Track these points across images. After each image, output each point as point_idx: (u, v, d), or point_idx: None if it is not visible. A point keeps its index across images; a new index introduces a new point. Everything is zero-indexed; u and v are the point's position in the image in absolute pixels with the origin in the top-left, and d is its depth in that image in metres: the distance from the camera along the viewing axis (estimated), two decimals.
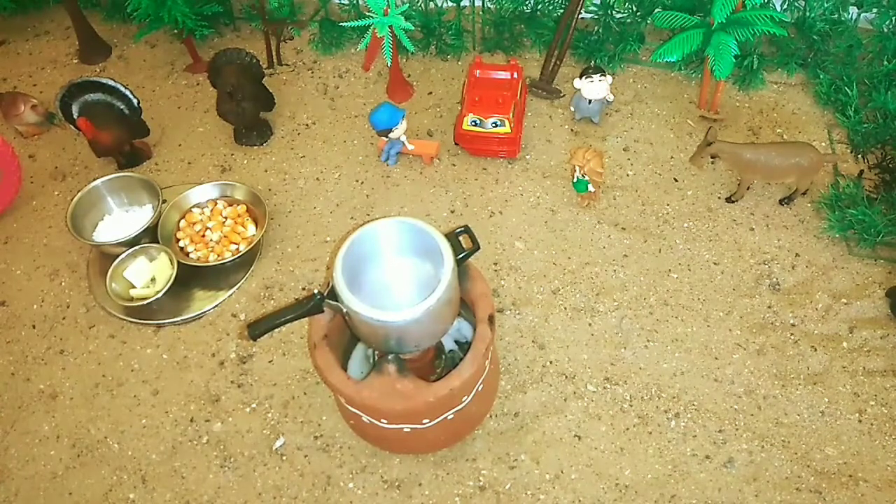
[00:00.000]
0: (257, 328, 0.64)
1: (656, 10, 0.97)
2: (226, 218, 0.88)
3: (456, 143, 0.93)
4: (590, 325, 0.78)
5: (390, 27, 0.87)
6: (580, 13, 0.94)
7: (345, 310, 0.58)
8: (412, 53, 1.02)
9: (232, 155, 0.96)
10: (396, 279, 0.64)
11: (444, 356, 0.71)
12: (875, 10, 0.96)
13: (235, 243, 0.85)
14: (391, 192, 0.91)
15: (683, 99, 0.97)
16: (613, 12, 1.01)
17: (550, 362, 0.76)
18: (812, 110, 0.95)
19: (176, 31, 1.01)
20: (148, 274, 0.82)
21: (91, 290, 0.84)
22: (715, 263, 0.82)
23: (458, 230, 0.62)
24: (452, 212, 0.88)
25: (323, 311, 0.63)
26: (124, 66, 1.08)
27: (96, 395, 0.76)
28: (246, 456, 0.71)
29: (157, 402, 0.76)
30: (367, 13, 0.87)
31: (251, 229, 0.87)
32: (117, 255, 0.82)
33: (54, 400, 0.76)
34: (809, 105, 0.95)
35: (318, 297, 0.63)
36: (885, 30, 0.96)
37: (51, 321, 0.81)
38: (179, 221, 0.87)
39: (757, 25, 0.83)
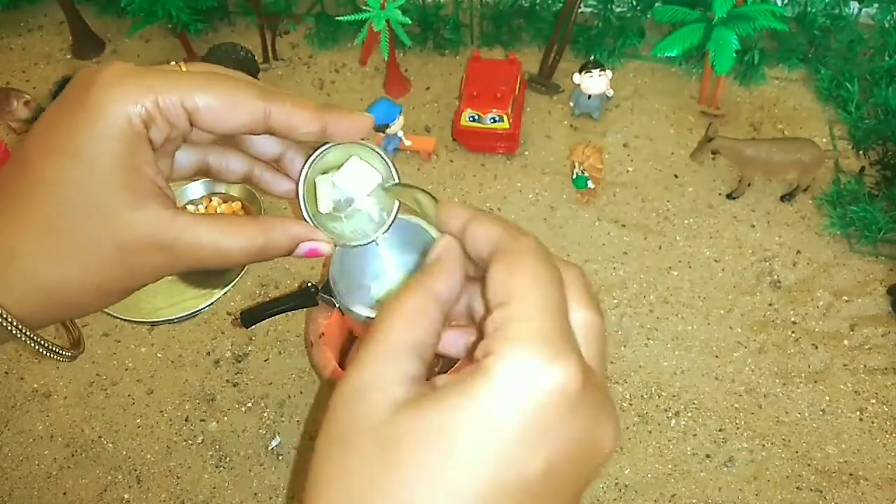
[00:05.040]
0: (250, 317, 0.64)
1: (656, 5, 0.96)
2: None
3: (454, 139, 0.93)
4: None
5: (387, 21, 0.86)
6: (579, 7, 0.93)
7: (338, 306, 0.57)
8: (409, 48, 1.01)
9: None
10: (395, 277, 0.64)
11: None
12: (876, 5, 0.95)
13: None
14: None
15: (684, 94, 0.97)
16: (613, 6, 1.00)
17: None
18: (813, 106, 0.94)
19: (170, 25, 1.00)
20: None
21: None
22: (716, 261, 0.81)
23: None
24: None
25: (317, 304, 0.63)
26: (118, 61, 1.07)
27: (90, 395, 0.75)
28: (241, 455, 0.71)
29: (151, 402, 0.75)
30: (364, 7, 0.86)
31: None
32: None
33: (48, 399, 0.75)
34: (810, 101, 0.95)
35: (312, 289, 0.63)
36: (887, 25, 0.95)
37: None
38: None
39: (758, 20, 0.82)
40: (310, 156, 0.33)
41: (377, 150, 0.35)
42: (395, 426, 0.21)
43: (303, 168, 0.33)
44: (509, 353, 0.21)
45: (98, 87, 0.27)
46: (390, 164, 0.35)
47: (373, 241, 0.36)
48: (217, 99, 0.28)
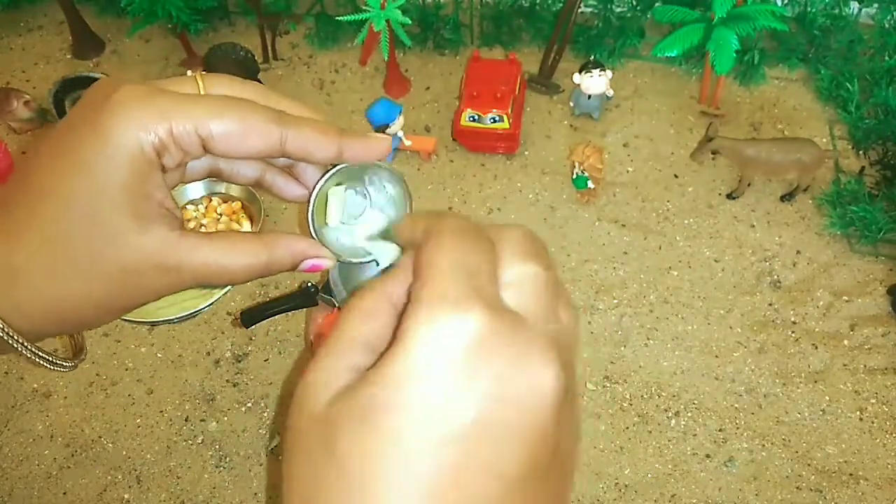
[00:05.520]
0: (250, 317, 0.64)
1: (656, 5, 0.96)
2: (220, 215, 0.87)
3: (454, 139, 0.93)
4: (589, 323, 0.77)
5: (387, 21, 0.86)
6: (579, 7, 0.93)
7: (338, 306, 0.57)
8: (409, 48, 1.01)
9: None
10: None
11: None
12: (876, 5, 0.95)
13: None
14: None
15: (684, 94, 0.97)
16: (613, 6, 1.00)
17: None
18: (813, 106, 0.94)
19: (170, 25, 1.00)
20: None
21: None
22: (716, 261, 0.81)
23: None
24: (451, 208, 0.88)
25: (317, 304, 0.63)
26: (118, 61, 1.07)
27: (90, 395, 0.75)
28: (241, 455, 0.71)
29: (151, 402, 0.75)
30: (364, 7, 0.86)
31: (246, 226, 0.86)
32: None
33: (48, 399, 0.75)
34: (810, 101, 0.95)
35: (312, 289, 0.63)
36: (886, 25, 0.95)
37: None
38: None
39: (758, 20, 0.82)
40: (327, 170, 0.34)
41: (394, 171, 0.35)
42: (333, 412, 0.22)
43: (318, 181, 0.34)
44: (414, 316, 0.21)
45: (111, 110, 0.27)
46: (405, 186, 0.35)
47: (374, 259, 0.36)
48: (232, 126, 0.28)
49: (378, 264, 0.37)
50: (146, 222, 0.28)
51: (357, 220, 0.36)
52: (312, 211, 0.34)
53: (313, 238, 0.34)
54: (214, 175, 0.34)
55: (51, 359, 0.31)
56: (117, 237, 0.28)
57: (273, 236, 0.32)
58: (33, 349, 0.29)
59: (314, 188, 0.34)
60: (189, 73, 0.31)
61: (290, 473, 0.22)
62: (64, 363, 0.33)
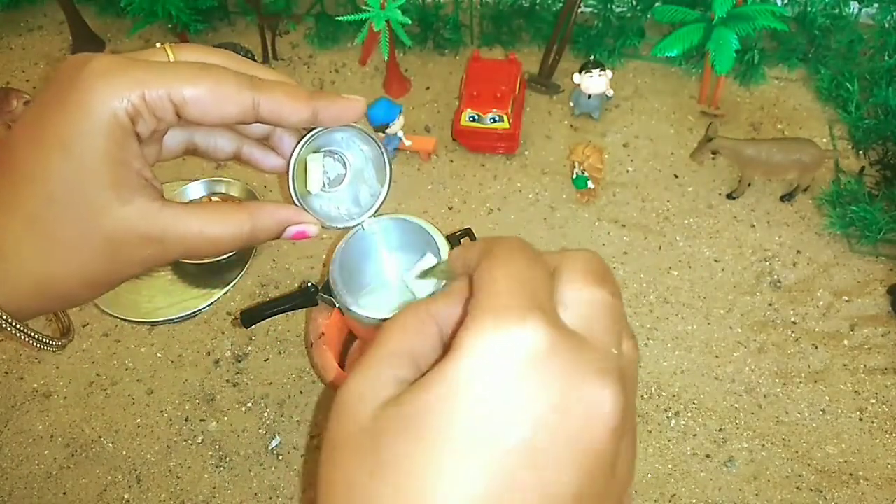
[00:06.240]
0: (250, 317, 0.64)
1: (656, 5, 0.96)
2: None
3: (454, 139, 0.93)
4: None
5: (387, 21, 0.86)
6: (579, 7, 0.93)
7: (338, 306, 0.57)
8: (409, 48, 1.01)
9: None
10: (395, 276, 0.64)
11: None
12: (876, 5, 0.95)
13: None
14: None
15: (684, 94, 0.97)
16: (613, 6, 1.00)
17: None
18: (813, 106, 0.94)
19: (170, 25, 1.00)
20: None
21: None
22: (716, 261, 0.81)
23: (460, 233, 0.62)
24: (450, 208, 0.88)
25: (317, 304, 0.63)
26: None
27: (90, 395, 0.75)
28: (241, 455, 0.71)
29: (151, 402, 0.75)
30: (364, 7, 0.86)
31: None
32: None
33: (48, 399, 0.75)
34: (810, 101, 0.95)
35: (312, 289, 0.63)
36: (886, 25, 0.95)
37: (43, 319, 0.80)
38: None
39: (758, 20, 0.82)
40: (302, 136, 0.34)
41: (370, 133, 0.35)
42: (382, 421, 0.21)
43: (294, 148, 0.34)
44: (470, 327, 0.21)
45: (84, 81, 0.27)
46: (382, 147, 0.35)
47: (359, 224, 0.37)
48: (205, 92, 0.29)
49: (364, 228, 0.38)
50: (126, 192, 0.28)
51: (338, 187, 0.36)
52: (293, 179, 0.34)
53: (297, 206, 0.34)
54: (190, 151, 0.35)
55: (39, 338, 0.31)
56: (100, 210, 0.28)
57: (256, 204, 0.32)
58: (21, 328, 0.30)
59: (292, 156, 0.34)
60: (158, 45, 0.31)
61: (331, 481, 0.22)
62: (52, 342, 0.33)
